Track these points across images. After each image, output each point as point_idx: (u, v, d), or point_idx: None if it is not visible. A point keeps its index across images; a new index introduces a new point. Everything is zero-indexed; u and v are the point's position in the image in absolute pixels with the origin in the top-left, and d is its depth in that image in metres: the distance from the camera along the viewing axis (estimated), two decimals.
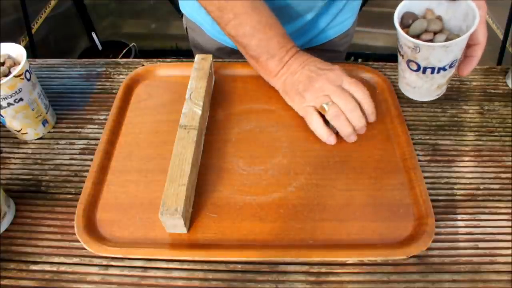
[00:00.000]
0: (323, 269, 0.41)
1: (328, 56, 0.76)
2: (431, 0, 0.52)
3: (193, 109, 0.50)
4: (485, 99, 0.58)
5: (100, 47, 1.68)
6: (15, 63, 0.50)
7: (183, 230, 0.43)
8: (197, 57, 0.57)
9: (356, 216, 0.45)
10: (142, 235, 0.44)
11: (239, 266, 0.42)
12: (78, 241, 0.43)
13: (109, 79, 0.62)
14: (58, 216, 0.46)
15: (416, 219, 0.44)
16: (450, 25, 0.52)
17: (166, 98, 0.58)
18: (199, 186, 0.48)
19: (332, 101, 0.50)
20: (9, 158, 0.52)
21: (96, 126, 0.55)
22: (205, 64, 0.56)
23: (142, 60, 0.64)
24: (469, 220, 0.45)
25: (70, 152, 0.52)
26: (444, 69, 0.50)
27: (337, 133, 0.51)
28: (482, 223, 0.45)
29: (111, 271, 0.42)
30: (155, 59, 0.63)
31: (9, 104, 0.49)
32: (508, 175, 0.49)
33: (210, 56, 0.57)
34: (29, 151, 0.53)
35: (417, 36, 0.50)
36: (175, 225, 0.43)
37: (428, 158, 0.51)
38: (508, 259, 0.42)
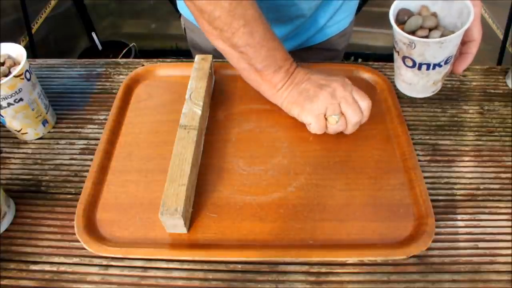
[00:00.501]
0: (323, 269, 0.41)
1: (326, 55, 0.76)
2: None
3: (193, 109, 0.51)
4: (485, 99, 0.58)
5: (100, 47, 1.68)
6: (15, 63, 0.50)
7: (183, 230, 0.43)
8: (197, 57, 0.57)
9: (356, 216, 0.45)
10: (142, 235, 0.44)
11: (239, 266, 0.42)
12: (78, 241, 0.43)
13: (109, 79, 0.62)
14: (58, 216, 0.46)
15: (416, 219, 0.44)
16: (445, 22, 0.52)
17: (166, 98, 0.58)
18: (199, 186, 0.48)
19: (341, 112, 0.49)
20: (9, 158, 0.52)
21: (96, 126, 0.55)
22: (205, 64, 0.56)
23: (142, 60, 0.64)
24: (469, 220, 0.45)
25: (70, 152, 0.52)
26: (439, 65, 0.51)
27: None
28: (482, 223, 0.45)
29: (111, 271, 0.42)
30: (155, 59, 0.63)
31: (9, 104, 0.49)
32: (508, 175, 0.49)
33: (210, 56, 0.57)
34: (29, 151, 0.53)
35: (413, 33, 0.50)
36: (175, 225, 0.43)
37: (428, 158, 0.51)
38: (508, 259, 0.42)
